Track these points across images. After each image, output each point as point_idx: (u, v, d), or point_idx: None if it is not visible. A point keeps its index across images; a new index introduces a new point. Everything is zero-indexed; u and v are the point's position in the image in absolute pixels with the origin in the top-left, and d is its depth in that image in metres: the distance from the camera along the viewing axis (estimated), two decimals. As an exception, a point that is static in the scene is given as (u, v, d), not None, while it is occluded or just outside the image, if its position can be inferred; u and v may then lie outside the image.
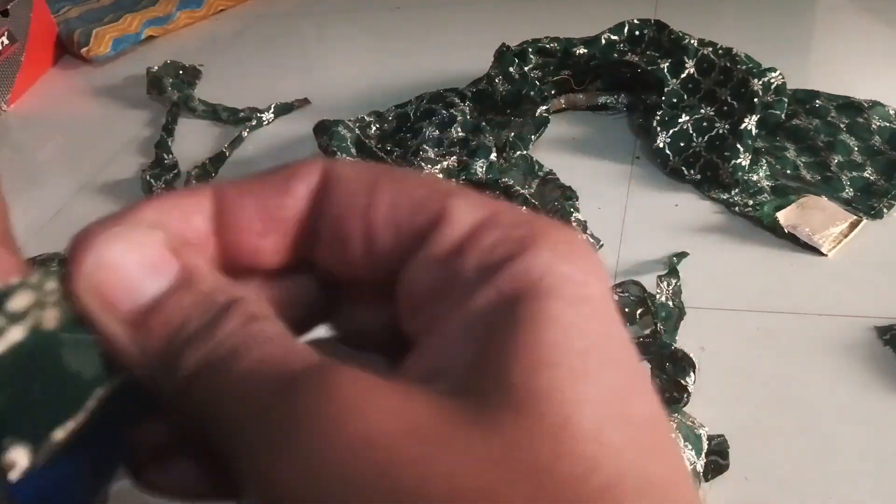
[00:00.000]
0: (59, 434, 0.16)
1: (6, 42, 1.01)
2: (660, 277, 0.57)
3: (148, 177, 0.77)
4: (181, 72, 0.97)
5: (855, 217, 0.62)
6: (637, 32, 0.81)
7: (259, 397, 0.15)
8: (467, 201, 0.17)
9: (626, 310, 0.56)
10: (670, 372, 0.50)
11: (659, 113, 0.73)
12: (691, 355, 0.50)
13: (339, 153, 0.70)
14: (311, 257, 0.18)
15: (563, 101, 0.82)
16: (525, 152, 0.73)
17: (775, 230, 0.62)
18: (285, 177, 0.18)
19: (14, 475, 0.16)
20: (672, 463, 0.13)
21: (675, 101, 0.75)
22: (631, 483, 0.12)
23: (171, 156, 0.81)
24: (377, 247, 0.18)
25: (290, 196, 0.18)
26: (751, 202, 0.65)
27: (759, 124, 0.70)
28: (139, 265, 0.17)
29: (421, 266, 0.17)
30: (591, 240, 0.60)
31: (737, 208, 0.65)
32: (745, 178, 0.67)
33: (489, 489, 0.12)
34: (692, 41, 0.77)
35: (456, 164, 0.70)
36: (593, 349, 0.14)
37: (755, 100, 0.71)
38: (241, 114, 0.87)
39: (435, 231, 0.17)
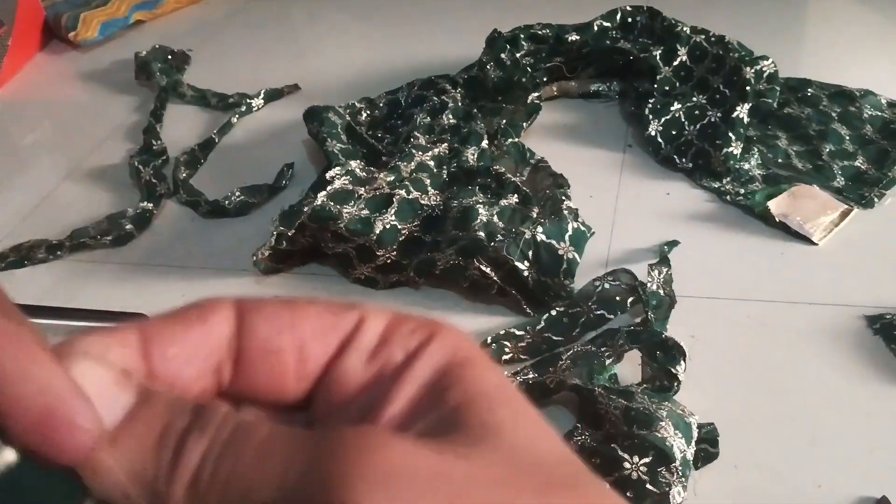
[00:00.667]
0: None
1: (-8, 26, 0.99)
2: (651, 266, 0.57)
3: (136, 163, 0.76)
4: (170, 57, 0.96)
5: (846, 206, 0.62)
6: (629, 19, 0.80)
7: (289, 469, 0.17)
8: (375, 309, 0.21)
9: (618, 298, 0.56)
10: (661, 360, 0.50)
11: (651, 101, 0.73)
12: (682, 344, 0.50)
13: (329, 139, 0.69)
14: (233, 386, 0.20)
15: (555, 89, 0.81)
16: (517, 140, 0.72)
17: (766, 219, 0.62)
18: (200, 310, 0.20)
19: None
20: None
21: (667, 88, 0.74)
22: (556, 461, 0.18)
23: (159, 142, 0.81)
24: (309, 356, 0.20)
25: (207, 324, 0.19)
26: (742, 191, 0.65)
27: (751, 112, 0.70)
28: (100, 390, 0.17)
29: (352, 362, 0.20)
30: (583, 227, 0.60)
31: (728, 197, 0.65)
32: (737, 166, 0.67)
33: (497, 495, 0.17)
34: (685, 28, 0.76)
35: (447, 152, 0.70)
36: (507, 392, 0.19)
37: (747, 88, 0.70)
38: (231, 99, 0.86)
39: (359, 332, 0.20)
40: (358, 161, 0.67)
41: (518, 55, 0.80)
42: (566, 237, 0.58)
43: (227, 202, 0.69)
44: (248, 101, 0.85)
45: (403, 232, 0.61)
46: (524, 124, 0.75)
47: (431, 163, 0.68)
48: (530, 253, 0.56)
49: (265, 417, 0.19)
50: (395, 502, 0.16)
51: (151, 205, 0.71)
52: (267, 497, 0.17)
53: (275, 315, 0.20)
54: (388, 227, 0.60)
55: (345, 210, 0.60)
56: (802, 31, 0.91)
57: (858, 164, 0.67)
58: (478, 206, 0.60)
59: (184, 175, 0.75)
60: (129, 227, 0.69)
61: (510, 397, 0.19)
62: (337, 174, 0.63)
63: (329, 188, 0.60)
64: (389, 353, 0.20)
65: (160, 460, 0.17)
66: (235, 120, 0.83)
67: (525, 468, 0.17)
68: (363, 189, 0.62)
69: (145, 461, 0.17)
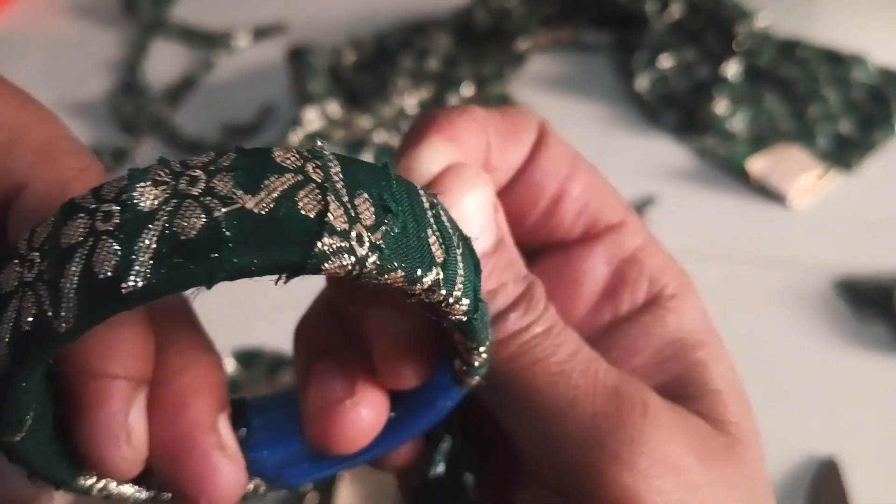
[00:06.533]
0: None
1: (-23, -48, 0.97)
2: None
3: (116, 99, 0.76)
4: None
5: (826, 168, 0.62)
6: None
7: (575, 398, 0.17)
8: (637, 222, 0.21)
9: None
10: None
11: (639, 55, 0.72)
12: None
13: (310, 80, 0.68)
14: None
15: (545, 37, 0.80)
16: (502, 90, 0.72)
17: (746, 178, 0.61)
18: (518, 124, 0.19)
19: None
20: None
21: (656, 43, 0.73)
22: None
23: (142, 78, 0.80)
24: (557, 214, 0.20)
25: (521, 144, 0.19)
26: (724, 149, 0.64)
27: (739, 71, 0.69)
28: (484, 217, 0.17)
29: (601, 258, 0.20)
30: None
31: (710, 154, 0.64)
32: (723, 124, 0.66)
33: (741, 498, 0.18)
34: (679, -19, 0.75)
35: (431, 97, 0.69)
36: (738, 384, 0.20)
37: (737, 46, 0.69)
38: (215, 38, 0.85)
39: (615, 234, 0.20)
40: (337, 102, 0.66)
41: (509, 4, 0.78)
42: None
43: (205, 141, 0.69)
44: (233, 39, 0.84)
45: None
46: (511, 74, 0.74)
47: (413, 108, 0.67)
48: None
49: (578, 340, 0.18)
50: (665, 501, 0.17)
51: (128, 141, 0.70)
52: (535, 416, 0.17)
53: (558, 160, 0.20)
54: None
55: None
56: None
57: (843, 128, 0.66)
58: (455, 154, 0.60)
59: (164, 113, 0.74)
60: (105, 162, 0.68)
61: (739, 389, 0.19)
62: (314, 117, 0.62)
63: (301, 132, 0.60)
64: (638, 277, 0.20)
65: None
66: (219, 59, 0.82)
67: (756, 482, 0.18)
68: (341, 132, 0.61)
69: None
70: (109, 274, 0.12)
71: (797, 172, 0.61)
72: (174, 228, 0.13)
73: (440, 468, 0.20)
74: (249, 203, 0.13)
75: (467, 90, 0.70)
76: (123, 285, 0.12)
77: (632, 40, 0.75)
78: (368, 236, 0.13)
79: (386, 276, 0.13)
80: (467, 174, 0.17)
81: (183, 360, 0.16)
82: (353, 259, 0.13)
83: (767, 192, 0.60)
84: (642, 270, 0.20)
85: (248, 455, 0.17)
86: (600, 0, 0.78)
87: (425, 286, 0.14)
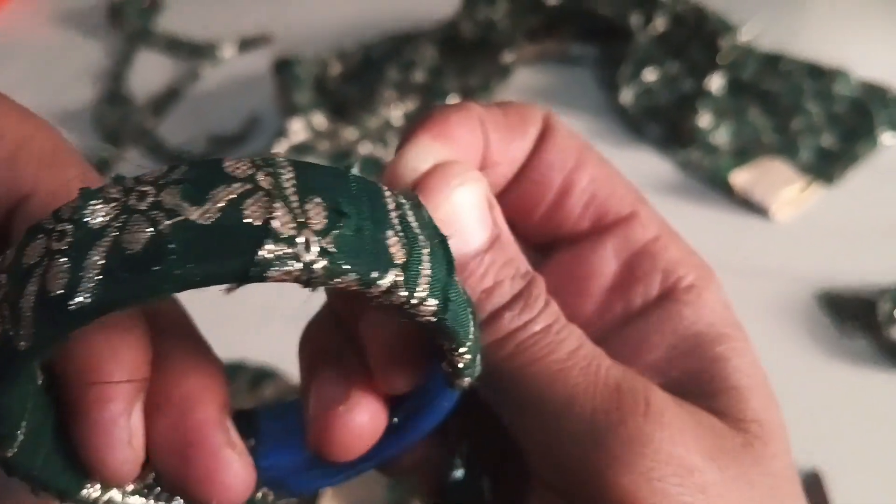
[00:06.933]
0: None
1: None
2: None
3: (100, 109, 0.75)
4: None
5: (809, 181, 0.62)
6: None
7: (574, 396, 0.16)
8: (650, 213, 0.20)
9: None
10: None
11: (624, 68, 0.72)
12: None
13: (296, 91, 0.68)
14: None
15: (530, 50, 0.81)
16: (488, 102, 0.72)
17: (729, 190, 0.62)
18: (520, 117, 0.19)
19: None
20: None
21: (640, 56, 0.74)
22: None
23: (126, 88, 0.79)
24: (565, 207, 0.19)
25: (525, 137, 0.19)
26: (708, 162, 0.65)
27: (723, 84, 0.70)
28: (475, 214, 0.17)
29: (610, 251, 0.19)
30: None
31: (694, 168, 0.65)
32: (706, 137, 0.67)
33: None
34: (663, -5, 0.76)
35: (416, 108, 0.69)
36: (761, 378, 0.20)
37: (721, 59, 0.70)
38: (201, 48, 0.85)
39: (625, 226, 0.19)
40: (322, 113, 0.66)
41: (494, 18, 0.78)
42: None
43: (190, 152, 0.69)
44: (219, 50, 0.84)
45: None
46: (496, 86, 0.75)
47: (399, 119, 0.67)
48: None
49: (580, 336, 0.18)
50: None
51: (111, 152, 0.70)
52: (535, 415, 0.17)
53: (564, 151, 0.19)
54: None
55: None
56: (780, 3, 0.90)
57: (825, 141, 0.66)
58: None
59: (148, 123, 0.74)
60: (90, 172, 0.68)
61: (763, 384, 0.19)
62: (299, 128, 0.62)
63: (287, 143, 0.60)
64: (651, 271, 0.19)
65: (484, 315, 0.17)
66: (204, 69, 0.82)
67: (781, 479, 0.18)
68: (326, 143, 0.61)
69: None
70: (60, 292, 0.13)
71: (780, 185, 0.62)
72: (121, 244, 0.13)
73: (460, 472, 0.20)
74: (194, 214, 0.13)
75: (453, 102, 0.70)
76: (70, 303, 0.13)
77: (616, 53, 0.75)
78: (318, 240, 0.13)
79: (338, 280, 0.13)
80: (454, 171, 0.17)
81: (187, 364, 0.16)
82: (299, 265, 0.13)
83: (750, 205, 0.61)
84: (655, 263, 0.19)
85: (257, 463, 0.18)
86: (585, 13, 0.78)
87: (383, 288, 0.14)
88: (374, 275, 0.14)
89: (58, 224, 0.13)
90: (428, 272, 0.15)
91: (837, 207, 0.61)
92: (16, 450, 0.15)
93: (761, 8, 0.87)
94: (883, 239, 0.58)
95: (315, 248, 0.13)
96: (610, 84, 0.74)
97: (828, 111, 0.69)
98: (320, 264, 0.13)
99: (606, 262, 0.19)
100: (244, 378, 0.49)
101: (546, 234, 0.20)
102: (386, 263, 0.14)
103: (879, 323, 0.50)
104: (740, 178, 0.62)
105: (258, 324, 0.50)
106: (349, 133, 0.62)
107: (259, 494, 0.18)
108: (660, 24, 0.75)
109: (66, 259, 0.13)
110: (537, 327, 0.17)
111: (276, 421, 0.19)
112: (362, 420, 0.17)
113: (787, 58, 0.75)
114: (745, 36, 0.73)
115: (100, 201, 0.13)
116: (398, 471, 0.20)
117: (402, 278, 0.14)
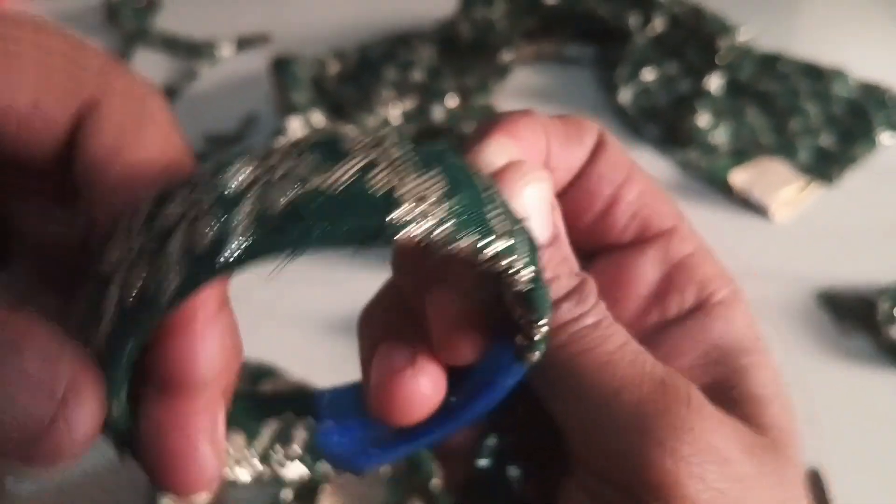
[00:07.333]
0: None
1: (-42, -41, 0.97)
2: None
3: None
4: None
5: (808, 181, 0.62)
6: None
7: (622, 386, 0.18)
8: (688, 230, 0.21)
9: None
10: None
11: (622, 68, 0.72)
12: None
13: (294, 91, 0.68)
14: None
15: (528, 50, 0.81)
16: (485, 102, 0.72)
17: (728, 190, 0.62)
18: (578, 129, 0.21)
19: None
20: None
21: (638, 57, 0.74)
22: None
23: (124, 87, 0.79)
24: (611, 217, 0.21)
25: (582, 147, 0.21)
26: (706, 162, 0.65)
27: (721, 85, 0.70)
28: (542, 210, 0.18)
29: (651, 262, 0.21)
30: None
31: (692, 168, 0.65)
32: (705, 137, 0.67)
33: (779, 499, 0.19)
34: (661, -4, 0.76)
35: (414, 108, 0.69)
36: (781, 388, 0.21)
37: (719, 60, 0.70)
38: (198, 48, 0.85)
39: (666, 239, 0.21)
40: (320, 113, 0.66)
41: (492, 17, 0.78)
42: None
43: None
44: (217, 49, 0.84)
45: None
46: (495, 86, 0.74)
47: (397, 119, 0.67)
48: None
49: (624, 332, 0.19)
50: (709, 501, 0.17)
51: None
52: (584, 402, 0.18)
53: (614, 166, 0.21)
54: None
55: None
56: (778, 3, 0.90)
57: (823, 142, 0.67)
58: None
59: (146, 122, 0.73)
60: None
61: (782, 395, 0.20)
62: (297, 127, 0.62)
63: (283, 141, 0.60)
64: (686, 286, 0.21)
65: None
66: (202, 69, 0.82)
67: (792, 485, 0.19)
68: (324, 143, 0.61)
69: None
70: (208, 245, 0.14)
71: (779, 185, 0.62)
72: (264, 205, 0.14)
73: (485, 462, 0.21)
74: (325, 183, 0.15)
75: (451, 102, 0.70)
76: (220, 257, 0.14)
77: (614, 54, 0.75)
78: (436, 209, 0.15)
79: (453, 246, 0.15)
80: (527, 169, 0.18)
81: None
82: (421, 230, 0.15)
83: (749, 205, 0.61)
84: (691, 276, 0.21)
85: (317, 441, 0.19)
86: (583, 14, 0.78)
87: (489, 255, 0.15)
88: (484, 243, 0.15)
89: (197, 185, 0.15)
90: (525, 245, 0.16)
91: (836, 207, 0.61)
92: (117, 408, 0.16)
93: (759, 8, 0.87)
94: (882, 238, 0.58)
95: (434, 217, 0.15)
96: (608, 84, 0.74)
97: (826, 111, 0.69)
98: (439, 231, 0.15)
99: (646, 271, 0.21)
100: (243, 375, 0.49)
101: (591, 241, 0.21)
102: (493, 234, 0.16)
103: (878, 322, 0.50)
104: (739, 178, 0.62)
105: (257, 323, 0.50)
106: (347, 132, 0.62)
107: (318, 470, 0.20)
108: (658, 24, 0.76)
109: (212, 217, 0.14)
110: (590, 321, 0.18)
111: (333, 402, 0.21)
112: (426, 384, 0.18)
113: (784, 58, 0.75)
114: (742, 36, 0.73)
115: (236, 169, 0.15)
116: (450, 450, 0.21)
117: (506, 247, 0.16)
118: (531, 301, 0.17)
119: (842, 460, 0.44)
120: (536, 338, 0.17)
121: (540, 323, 0.17)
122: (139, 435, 0.16)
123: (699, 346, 0.20)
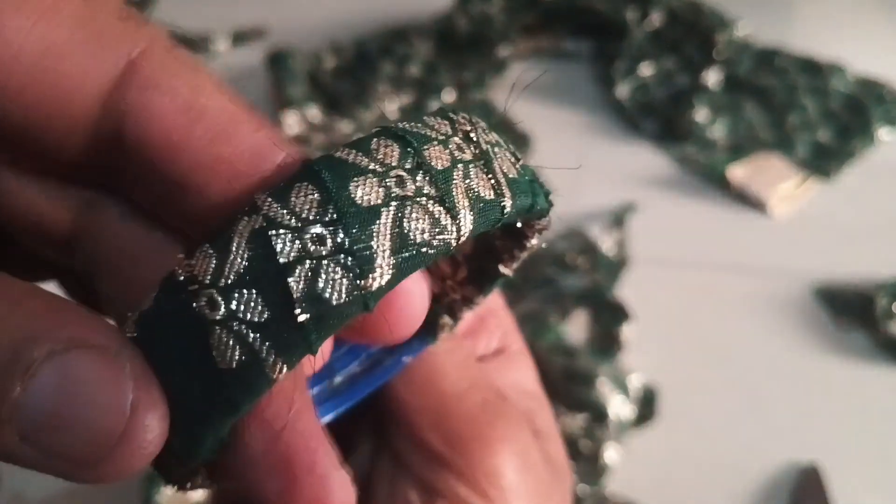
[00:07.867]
0: None
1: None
2: (605, 228, 0.57)
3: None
4: (136, -6, 0.94)
5: (805, 177, 0.62)
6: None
7: (473, 385, 0.22)
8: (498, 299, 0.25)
9: (568, 259, 0.55)
10: (606, 321, 0.50)
11: (619, 63, 0.72)
12: (629, 306, 0.50)
13: (290, 85, 0.68)
14: None
15: (525, 45, 0.80)
16: (482, 97, 0.72)
17: (725, 186, 0.61)
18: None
19: None
20: None
21: (636, 52, 0.74)
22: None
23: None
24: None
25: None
26: (704, 157, 0.64)
27: (719, 80, 0.69)
28: None
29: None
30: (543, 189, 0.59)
31: (690, 163, 0.64)
32: (702, 132, 0.66)
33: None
34: (659, -10, 0.75)
35: (411, 103, 0.69)
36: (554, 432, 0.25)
37: (717, 55, 0.70)
38: (194, 41, 0.84)
39: None
40: (317, 107, 0.66)
41: (490, 11, 0.78)
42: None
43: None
44: (213, 43, 0.83)
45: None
46: (491, 80, 0.74)
47: (394, 113, 0.67)
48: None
49: None
50: None
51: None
52: (437, 393, 0.22)
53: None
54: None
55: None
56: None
57: (821, 137, 0.66)
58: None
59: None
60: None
61: (558, 436, 0.24)
62: (293, 121, 0.62)
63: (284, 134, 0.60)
64: (489, 339, 0.24)
65: None
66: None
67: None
68: (321, 136, 0.61)
69: None
70: (355, 276, 0.13)
71: (776, 181, 0.61)
72: (403, 227, 0.14)
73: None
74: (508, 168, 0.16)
75: (448, 96, 0.70)
76: (371, 283, 0.13)
77: (612, 49, 0.75)
78: (508, 190, 0.16)
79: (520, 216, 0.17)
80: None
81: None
82: (513, 210, 0.16)
83: (747, 200, 0.61)
84: (500, 324, 0.24)
85: None
86: (580, 8, 0.78)
87: (542, 214, 0.17)
88: (539, 207, 0.17)
89: (394, 168, 0.14)
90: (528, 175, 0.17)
91: (834, 202, 0.61)
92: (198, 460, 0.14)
93: (757, 3, 0.87)
94: (880, 233, 0.58)
95: (509, 194, 0.15)
96: (605, 79, 0.73)
97: (824, 107, 0.69)
98: (508, 203, 0.16)
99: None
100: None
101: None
102: (536, 192, 0.17)
103: (876, 317, 0.50)
104: (737, 173, 0.62)
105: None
106: (344, 126, 0.62)
107: None
108: (655, 19, 0.75)
109: (436, 203, 0.14)
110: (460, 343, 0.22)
111: None
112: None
113: (782, 53, 0.75)
114: (740, 31, 0.73)
115: (358, 183, 0.14)
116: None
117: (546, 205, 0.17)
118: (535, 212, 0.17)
119: (839, 456, 0.44)
120: (534, 240, 0.18)
121: (543, 219, 0.18)
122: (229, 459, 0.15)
123: (500, 382, 0.23)
